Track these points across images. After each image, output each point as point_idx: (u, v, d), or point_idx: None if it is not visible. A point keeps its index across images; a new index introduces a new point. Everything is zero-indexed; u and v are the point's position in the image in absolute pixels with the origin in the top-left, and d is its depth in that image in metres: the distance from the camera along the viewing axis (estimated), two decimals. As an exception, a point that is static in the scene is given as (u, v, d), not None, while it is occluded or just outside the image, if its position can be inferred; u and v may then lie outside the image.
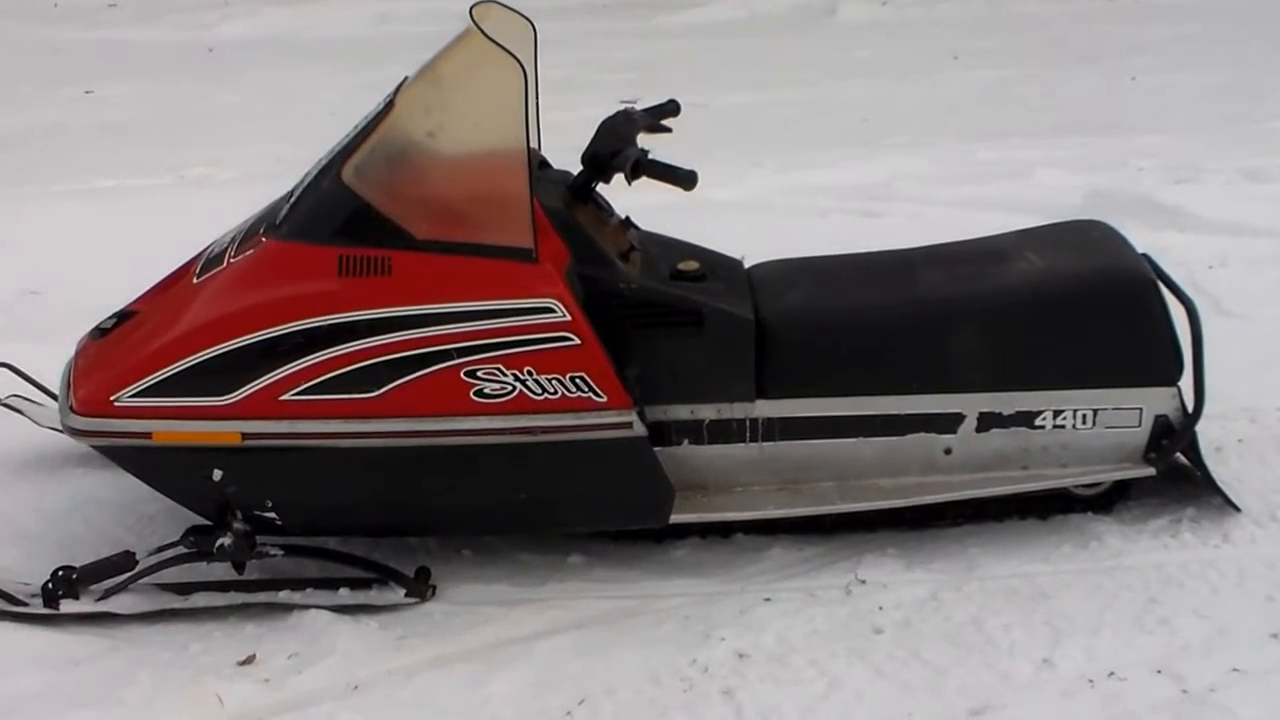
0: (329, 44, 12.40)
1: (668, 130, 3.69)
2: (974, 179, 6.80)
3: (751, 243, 4.25)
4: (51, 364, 3.67)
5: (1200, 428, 3.52)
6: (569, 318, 3.17)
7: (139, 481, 3.41)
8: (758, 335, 3.40)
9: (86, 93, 10.31)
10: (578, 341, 3.18)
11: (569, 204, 3.40)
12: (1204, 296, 4.58)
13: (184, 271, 3.50)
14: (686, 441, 3.43)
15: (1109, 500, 3.66)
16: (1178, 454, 3.55)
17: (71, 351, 3.50)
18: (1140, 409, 3.47)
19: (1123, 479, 3.59)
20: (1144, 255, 3.60)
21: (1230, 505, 3.55)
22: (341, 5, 13.50)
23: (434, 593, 3.41)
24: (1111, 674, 2.98)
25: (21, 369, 4.06)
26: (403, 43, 9.96)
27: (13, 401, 4.01)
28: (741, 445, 3.44)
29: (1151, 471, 3.52)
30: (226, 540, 3.28)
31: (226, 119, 9.30)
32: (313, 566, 3.45)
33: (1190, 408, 3.49)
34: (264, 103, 9.85)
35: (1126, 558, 3.43)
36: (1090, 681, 2.96)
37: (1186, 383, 3.49)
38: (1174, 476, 3.63)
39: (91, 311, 3.69)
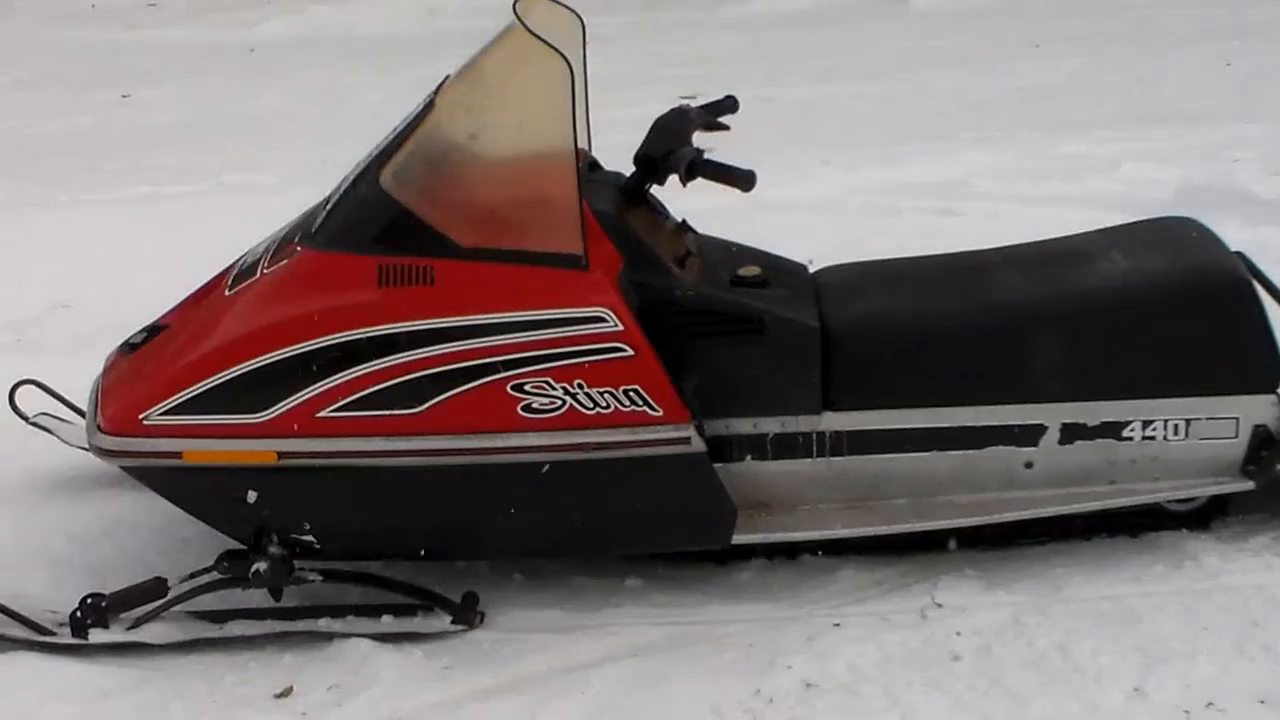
0: (375, 42, 12.46)
1: (725, 128, 3.69)
2: (1057, 174, 6.74)
3: (819, 245, 4.24)
4: (83, 380, 3.68)
5: (1303, 438, 3.46)
6: (621, 328, 3.15)
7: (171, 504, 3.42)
8: (824, 344, 3.37)
9: (123, 96, 10.41)
10: (631, 353, 3.17)
11: (621, 207, 3.39)
12: (1306, 296, 4.51)
13: (216, 283, 3.53)
14: (749, 457, 3.41)
15: (1205, 516, 3.61)
16: (1279, 466, 3.49)
17: (101, 367, 3.52)
18: (1237, 418, 3.42)
19: (1219, 493, 3.53)
20: (1238, 253, 3.55)
21: (1337, 521, 3.50)
22: (388, 1, 13.58)
23: (482, 619, 3.40)
24: (1210, 704, 2.93)
25: (50, 385, 4.09)
26: (452, 39, 9.92)
27: (41, 420, 4.03)
28: (808, 460, 3.41)
29: (1250, 485, 3.46)
30: (262, 565, 3.28)
31: (268, 122, 9.37)
32: (353, 592, 3.44)
33: (1292, 417, 3.43)
34: (307, 104, 9.91)
35: (1225, 578, 3.37)
36: (1186, 712, 2.92)
37: (1288, 390, 3.43)
38: (1276, 490, 3.55)
39: (124, 325, 3.73)
